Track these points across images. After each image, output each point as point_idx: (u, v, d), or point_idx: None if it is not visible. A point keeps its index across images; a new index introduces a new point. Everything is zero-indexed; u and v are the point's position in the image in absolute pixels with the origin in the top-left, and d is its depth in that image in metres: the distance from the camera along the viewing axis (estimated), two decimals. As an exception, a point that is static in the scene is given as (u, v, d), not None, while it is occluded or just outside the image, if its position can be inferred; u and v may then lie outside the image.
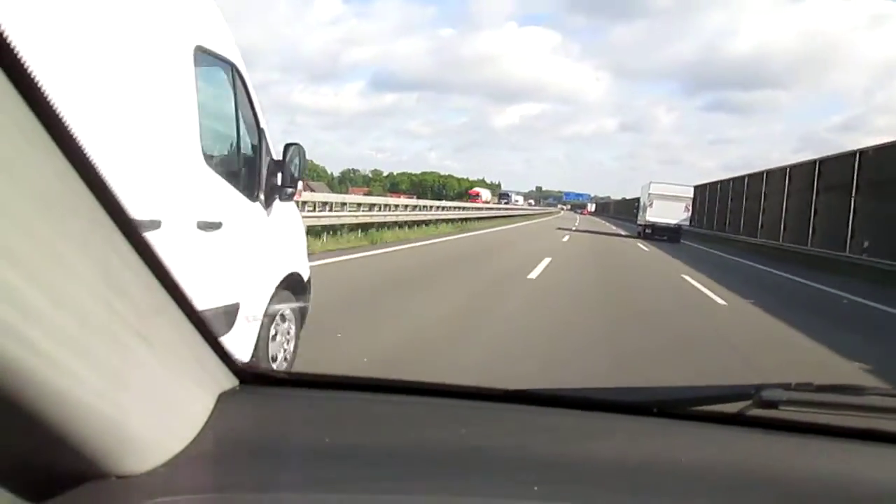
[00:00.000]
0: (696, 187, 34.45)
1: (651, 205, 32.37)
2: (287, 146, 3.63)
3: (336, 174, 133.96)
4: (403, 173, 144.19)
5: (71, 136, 0.61)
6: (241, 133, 3.31)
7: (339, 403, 1.09)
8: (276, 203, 3.54)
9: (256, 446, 0.90)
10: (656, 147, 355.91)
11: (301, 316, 3.99)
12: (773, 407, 1.01)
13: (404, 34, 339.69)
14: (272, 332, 3.54)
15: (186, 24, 2.78)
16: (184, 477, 0.79)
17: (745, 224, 32.13)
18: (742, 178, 34.28)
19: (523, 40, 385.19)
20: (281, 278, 3.66)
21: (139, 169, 2.32)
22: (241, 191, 3.21)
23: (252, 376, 1.03)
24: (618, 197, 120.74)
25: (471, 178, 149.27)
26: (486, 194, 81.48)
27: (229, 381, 0.99)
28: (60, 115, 0.59)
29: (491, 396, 1.12)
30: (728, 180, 37.61)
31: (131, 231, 0.71)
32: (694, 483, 0.90)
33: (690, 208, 32.37)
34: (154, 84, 2.47)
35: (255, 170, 3.37)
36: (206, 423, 0.88)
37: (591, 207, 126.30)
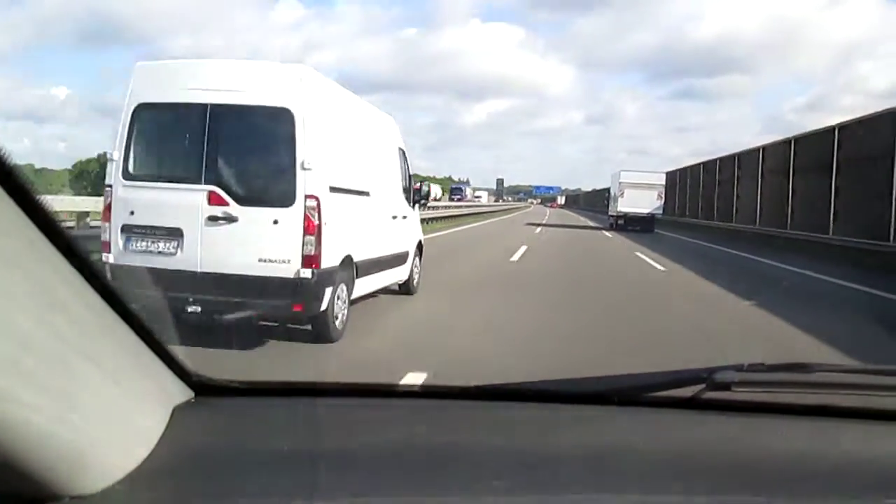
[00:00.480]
0: (667, 174, 33.45)
1: (622, 194, 31.26)
2: (420, 182, 9.35)
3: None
4: None
5: None
6: (406, 176, 8.09)
7: (298, 410, 1.10)
8: (416, 208, 8.57)
9: (214, 458, 0.90)
10: (623, 138, 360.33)
11: (420, 258, 8.48)
12: (726, 388, 1.03)
13: (367, 36, 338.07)
14: (415, 265, 8.16)
15: (395, 137, 7.96)
16: (140, 494, 0.78)
17: (718, 210, 31.22)
18: (714, 161, 33.39)
19: (487, 37, 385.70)
20: (417, 241, 8.36)
21: (392, 193, 7.41)
22: (408, 202, 8.06)
23: (207, 387, 1.04)
24: (588, 189, 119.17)
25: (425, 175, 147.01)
26: (435, 190, 72.14)
27: (184, 394, 0.99)
28: None
29: (450, 394, 1.17)
30: (698, 165, 36.76)
31: (72, 251, 0.70)
32: (652, 468, 0.92)
33: (663, 196, 31.33)
34: (391, 161, 7.59)
35: (410, 192, 8.18)
36: (162, 437, 0.87)
37: (561, 200, 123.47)
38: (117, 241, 5.00)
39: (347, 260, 5.55)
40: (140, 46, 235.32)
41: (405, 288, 7.84)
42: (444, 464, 0.91)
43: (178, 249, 4.91)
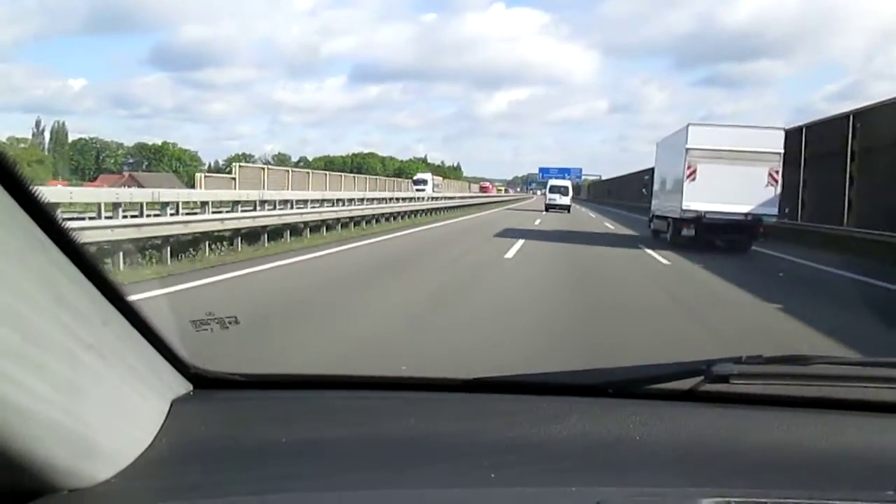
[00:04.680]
0: (787, 132, 16.42)
1: (692, 175, 14.69)
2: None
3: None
4: (324, 157, 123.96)
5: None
6: None
7: (295, 402, 1.11)
8: None
9: (211, 450, 0.91)
10: (646, 127, 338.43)
11: None
12: (725, 381, 1.04)
13: (385, 21, 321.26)
14: None
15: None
16: (138, 486, 0.78)
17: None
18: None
19: (510, 22, 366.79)
20: None
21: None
22: None
23: (206, 380, 1.05)
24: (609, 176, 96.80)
25: (400, 158, 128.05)
26: (429, 184, 56.23)
27: (183, 387, 1.01)
28: None
29: (447, 387, 1.17)
30: (842, 117, 19.79)
31: (70, 244, 0.72)
32: (650, 460, 0.92)
33: (779, 176, 14.65)
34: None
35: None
36: (160, 430, 0.88)
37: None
38: None
39: None
40: (151, 34, 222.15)
41: None
42: (443, 456, 0.92)
43: None
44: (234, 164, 21.17)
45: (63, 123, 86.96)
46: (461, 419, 1.04)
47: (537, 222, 26.45)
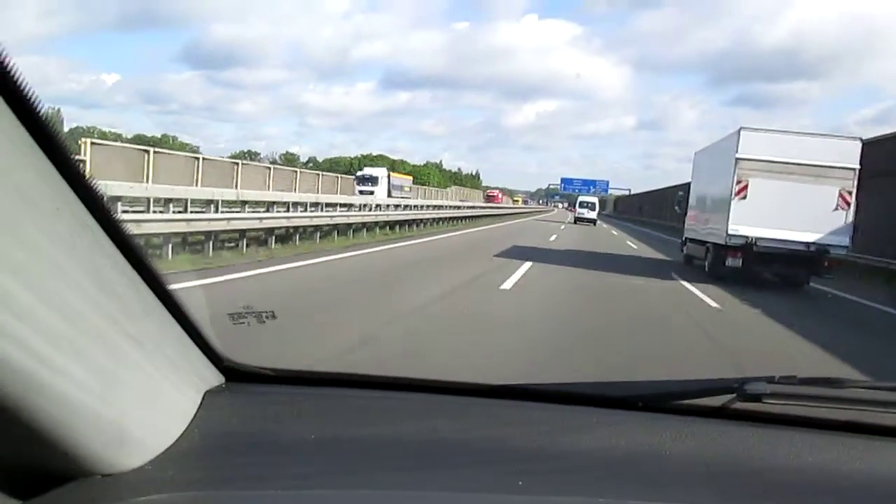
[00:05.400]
0: (864, 143, 13.28)
1: (741, 191, 11.79)
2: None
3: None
4: (330, 158, 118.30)
5: (53, 135, 0.61)
6: None
7: (325, 400, 1.10)
8: None
9: (242, 443, 0.91)
10: (673, 144, 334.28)
11: None
12: (757, 400, 1.02)
13: (417, 28, 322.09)
14: None
15: None
16: (169, 474, 0.79)
17: None
18: None
19: (542, 33, 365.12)
20: None
21: None
22: None
23: (238, 373, 1.06)
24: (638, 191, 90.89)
25: (412, 162, 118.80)
26: (382, 184, 39.86)
27: (216, 379, 1.01)
28: (42, 116, 0.60)
29: (475, 391, 1.15)
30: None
31: (118, 232, 0.73)
32: (678, 476, 0.91)
33: (852, 197, 11.67)
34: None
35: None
36: (193, 420, 0.89)
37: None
38: None
39: None
40: (183, 31, 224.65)
41: None
42: (471, 460, 0.92)
43: None
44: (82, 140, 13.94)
45: (59, 110, 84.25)
46: (489, 424, 1.04)
47: (553, 238, 23.57)
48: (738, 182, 11.81)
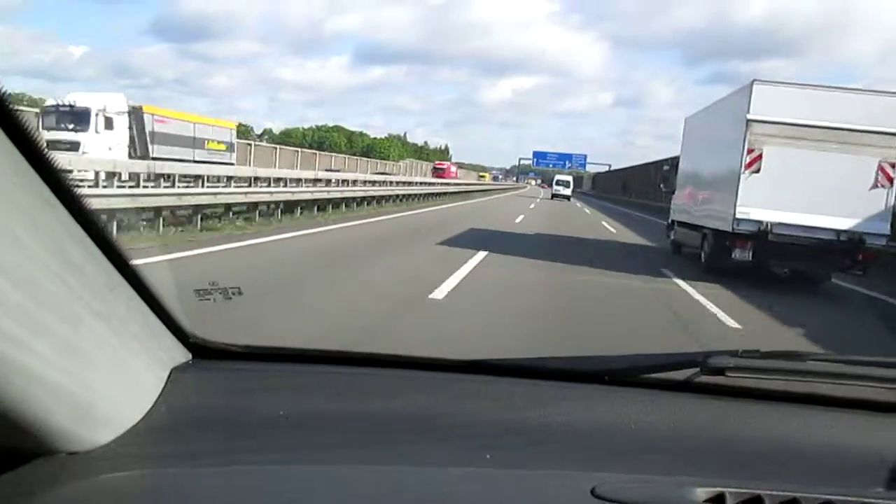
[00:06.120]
0: None
1: (754, 163, 9.07)
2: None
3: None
4: (284, 130, 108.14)
5: (9, 113, 0.61)
6: None
7: (293, 376, 1.10)
8: None
9: (209, 419, 0.91)
10: (651, 122, 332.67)
11: None
12: (721, 374, 1.04)
13: (391, 1, 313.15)
14: None
15: None
16: (136, 451, 0.78)
17: None
18: None
19: (520, 7, 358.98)
20: None
21: None
22: None
23: (206, 350, 1.04)
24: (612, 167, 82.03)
25: (373, 136, 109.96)
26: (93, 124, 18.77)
27: (183, 356, 1.00)
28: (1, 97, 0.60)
29: (445, 367, 1.16)
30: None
31: (80, 209, 0.72)
32: (645, 448, 0.93)
33: (894, 173, 9.04)
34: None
35: None
36: (160, 397, 0.88)
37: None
38: None
39: None
40: (153, 1, 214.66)
41: None
42: (440, 435, 0.93)
43: None
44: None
45: None
46: (459, 399, 1.04)
47: (519, 219, 20.79)
48: (750, 151, 9.08)
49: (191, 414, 0.89)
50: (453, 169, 72.08)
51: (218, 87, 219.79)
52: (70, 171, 9.30)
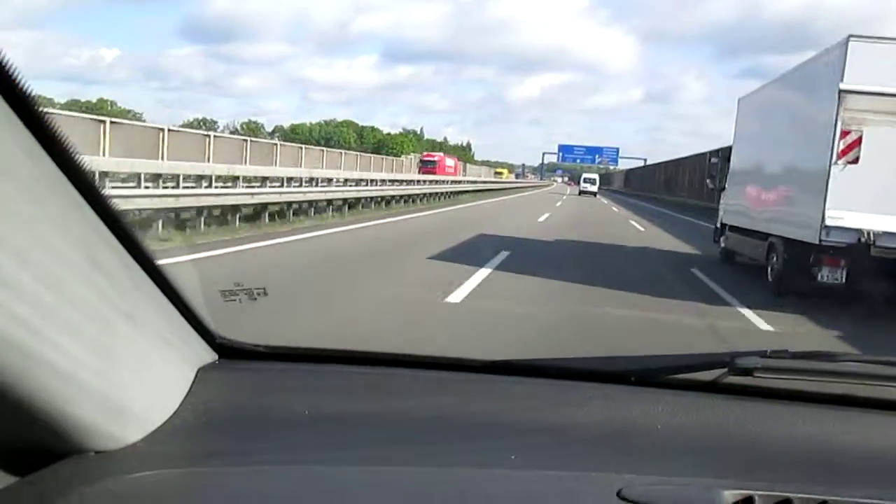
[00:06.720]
0: None
1: (851, 150, 6.60)
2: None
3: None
4: (292, 125, 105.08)
5: (39, 116, 0.61)
6: None
7: (318, 376, 1.10)
8: None
9: (235, 419, 0.91)
10: (679, 118, 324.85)
11: None
12: (749, 374, 1.02)
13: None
14: None
15: None
16: (163, 450, 0.79)
17: None
18: None
19: (547, 3, 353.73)
20: None
21: None
22: None
23: (231, 350, 1.05)
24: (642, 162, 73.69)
25: (385, 131, 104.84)
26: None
27: (209, 356, 1.01)
28: (28, 97, 0.60)
29: (470, 367, 1.15)
30: None
31: (107, 210, 0.72)
32: (672, 449, 0.91)
33: None
34: None
35: None
36: (186, 397, 0.89)
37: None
38: None
39: None
40: (183, 5, 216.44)
41: None
42: (464, 435, 0.92)
43: None
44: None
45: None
46: (483, 400, 1.04)
47: (541, 219, 18.38)
48: (845, 134, 6.65)
49: (218, 414, 0.89)
50: (449, 161, 55.38)
51: (246, 87, 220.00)
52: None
